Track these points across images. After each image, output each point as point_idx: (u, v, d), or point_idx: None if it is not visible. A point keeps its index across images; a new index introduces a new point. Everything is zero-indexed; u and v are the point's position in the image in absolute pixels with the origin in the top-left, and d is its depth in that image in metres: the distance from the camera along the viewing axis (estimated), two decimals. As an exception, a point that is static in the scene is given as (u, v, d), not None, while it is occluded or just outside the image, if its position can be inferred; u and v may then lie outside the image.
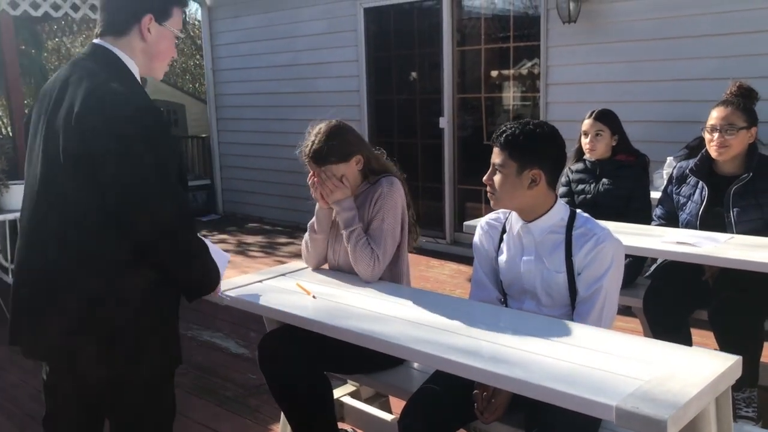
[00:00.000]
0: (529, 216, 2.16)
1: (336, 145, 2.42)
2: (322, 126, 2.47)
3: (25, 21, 7.12)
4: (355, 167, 2.47)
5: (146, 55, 1.88)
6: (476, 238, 2.37)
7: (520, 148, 2.09)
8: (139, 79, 1.87)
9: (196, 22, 18.17)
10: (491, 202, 2.19)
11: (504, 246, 2.27)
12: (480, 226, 2.36)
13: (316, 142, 2.42)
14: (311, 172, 2.49)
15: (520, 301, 2.23)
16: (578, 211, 2.20)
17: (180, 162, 1.86)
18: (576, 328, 1.97)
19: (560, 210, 2.16)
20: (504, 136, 2.11)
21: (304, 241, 2.67)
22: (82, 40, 16.83)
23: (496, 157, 2.13)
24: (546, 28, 5.34)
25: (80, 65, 1.81)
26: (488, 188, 2.17)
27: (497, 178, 2.13)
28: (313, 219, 2.59)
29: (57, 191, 1.74)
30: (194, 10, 18.97)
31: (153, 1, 1.86)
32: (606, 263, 2.08)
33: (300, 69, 7.26)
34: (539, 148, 2.10)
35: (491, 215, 2.36)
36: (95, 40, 1.86)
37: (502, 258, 2.26)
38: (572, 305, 2.14)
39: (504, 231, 2.28)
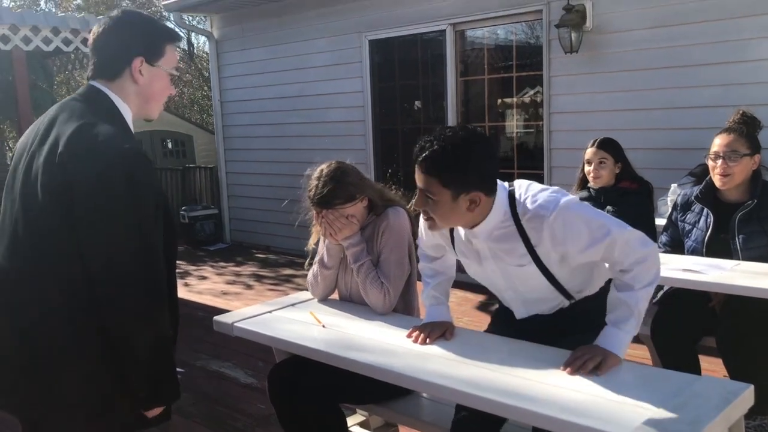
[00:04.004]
0: (471, 225, 2.03)
1: (339, 189, 2.42)
2: (323, 168, 2.47)
3: (37, 55, 7.24)
4: (360, 205, 2.49)
5: (140, 97, 1.83)
6: (423, 238, 2.29)
7: (450, 175, 1.87)
8: (130, 122, 1.82)
9: (204, 54, 18.44)
10: (427, 225, 2.04)
11: (457, 248, 2.18)
12: (425, 229, 2.21)
13: (320, 186, 2.43)
14: (316, 213, 2.51)
15: (502, 293, 2.22)
16: (514, 187, 2.02)
17: (159, 202, 1.74)
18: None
19: (500, 204, 1.98)
20: (425, 159, 1.88)
21: (311, 273, 2.69)
22: (90, 73, 17.03)
23: (422, 182, 1.92)
24: (548, 58, 5.42)
25: (70, 105, 1.77)
26: (423, 214, 2.01)
27: (430, 204, 1.94)
28: (323, 254, 2.61)
29: (35, 231, 1.68)
30: (202, 42, 19.28)
31: (142, 43, 1.80)
32: (579, 227, 1.91)
33: (306, 100, 7.35)
34: (471, 169, 1.89)
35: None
36: (90, 81, 1.82)
37: (465, 260, 2.19)
38: (557, 288, 2.08)
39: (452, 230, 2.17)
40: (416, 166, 1.93)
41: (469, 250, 2.13)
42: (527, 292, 2.15)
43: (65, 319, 1.66)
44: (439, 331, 2.18)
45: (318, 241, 2.69)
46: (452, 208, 1.93)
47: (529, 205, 1.96)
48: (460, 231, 2.11)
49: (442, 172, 1.88)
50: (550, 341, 2.08)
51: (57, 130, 1.70)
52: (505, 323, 2.29)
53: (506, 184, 2.04)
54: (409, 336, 2.20)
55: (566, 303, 2.15)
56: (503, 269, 2.09)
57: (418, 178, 1.94)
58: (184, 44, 20.22)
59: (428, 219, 2.00)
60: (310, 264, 2.71)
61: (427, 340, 2.15)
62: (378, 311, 2.46)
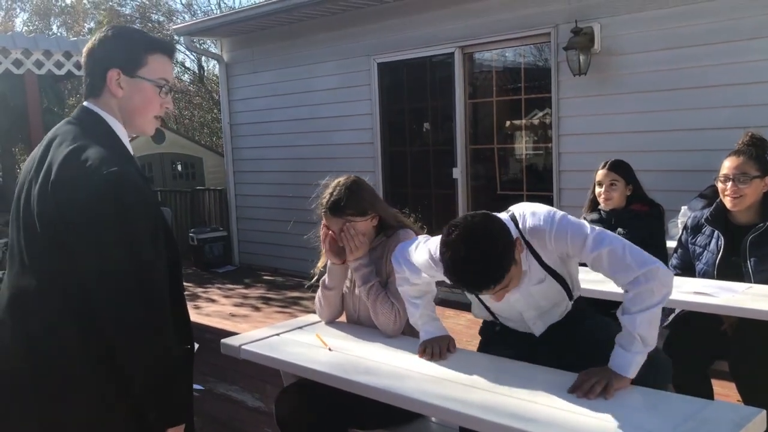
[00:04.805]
0: None
1: (353, 200, 2.43)
2: (340, 180, 2.50)
3: (49, 79, 7.33)
4: (370, 223, 2.49)
5: (125, 112, 1.76)
6: (409, 274, 2.27)
7: (507, 264, 1.90)
8: (125, 138, 1.77)
9: (214, 78, 18.64)
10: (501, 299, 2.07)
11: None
12: (432, 260, 2.16)
13: (335, 194, 2.44)
14: (323, 227, 2.51)
15: (522, 314, 2.28)
16: (513, 211, 2.12)
17: (157, 222, 1.70)
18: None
19: (513, 232, 2.03)
20: (489, 282, 1.88)
21: (317, 297, 2.69)
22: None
23: (493, 290, 1.92)
24: (557, 80, 5.43)
25: (64, 129, 1.74)
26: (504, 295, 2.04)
27: (509, 286, 1.98)
28: (326, 274, 2.61)
29: (36, 258, 1.69)
30: (212, 66, 19.49)
31: (119, 55, 1.73)
32: (575, 235, 2.00)
33: (315, 122, 7.39)
34: (509, 243, 1.93)
35: (433, 264, 2.13)
36: (83, 102, 1.79)
37: (481, 299, 2.28)
38: (564, 289, 2.22)
39: None
40: (481, 293, 1.95)
41: None
42: (545, 303, 2.25)
43: (71, 340, 1.66)
44: (445, 345, 2.25)
45: (326, 264, 2.69)
46: (520, 274, 2.04)
47: (529, 222, 2.08)
48: None
49: (504, 271, 1.88)
50: (568, 340, 2.22)
51: (50, 157, 1.69)
52: (515, 342, 2.33)
53: (504, 214, 2.12)
54: (421, 356, 2.22)
55: (570, 304, 2.28)
56: (524, 292, 2.17)
57: (489, 292, 1.94)
58: (194, 67, 20.43)
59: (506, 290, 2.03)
60: (314, 286, 2.71)
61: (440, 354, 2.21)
62: (387, 333, 2.45)
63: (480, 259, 1.86)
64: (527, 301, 2.22)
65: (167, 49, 1.82)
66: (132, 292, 1.60)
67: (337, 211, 2.44)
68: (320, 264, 2.70)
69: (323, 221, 2.56)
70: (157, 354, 1.65)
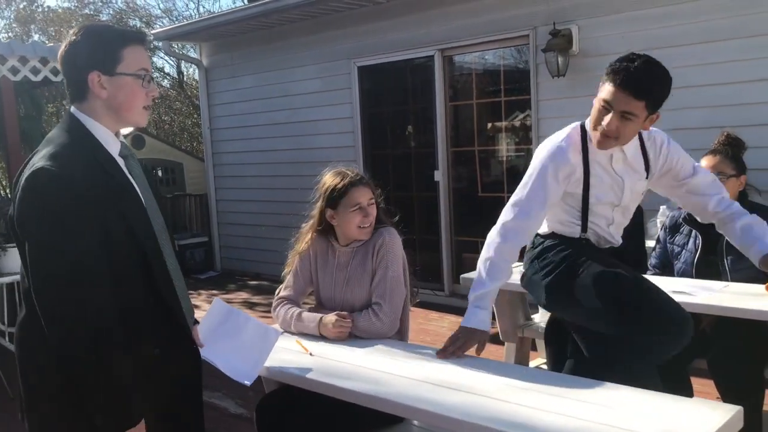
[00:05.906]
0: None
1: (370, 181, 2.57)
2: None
3: (26, 86, 7.25)
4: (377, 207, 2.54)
5: (111, 110, 1.78)
6: (556, 165, 2.33)
7: (656, 97, 2.21)
8: (107, 138, 1.77)
9: (194, 82, 18.53)
10: (605, 142, 2.27)
11: (593, 175, 2.32)
12: (558, 148, 2.36)
13: (355, 172, 2.55)
14: (334, 326, 2.46)
15: (612, 213, 2.41)
16: None
17: (107, 219, 1.69)
18: (579, 382, 1.97)
19: None
20: (647, 78, 2.18)
21: (287, 312, 2.69)
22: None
23: (627, 104, 2.19)
24: (536, 82, 5.47)
25: (48, 135, 1.78)
26: (608, 133, 2.24)
27: (626, 124, 2.22)
28: (306, 324, 2.58)
29: (21, 260, 1.73)
30: (192, 71, 19.36)
31: (94, 56, 1.74)
32: (681, 151, 2.47)
33: (295, 126, 7.37)
34: (667, 90, 2.25)
35: (564, 146, 2.37)
36: (70, 107, 1.81)
37: (599, 186, 2.33)
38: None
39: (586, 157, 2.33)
40: (620, 88, 2.15)
41: (607, 174, 2.34)
42: (629, 208, 2.45)
43: (40, 336, 1.66)
44: (473, 345, 2.20)
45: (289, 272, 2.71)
46: (638, 126, 2.23)
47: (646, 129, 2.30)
48: (601, 159, 2.32)
49: (656, 87, 2.17)
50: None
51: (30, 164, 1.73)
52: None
53: None
54: (448, 345, 2.20)
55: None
56: (630, 184, 2.35)
57: (621, 100, 2.16)
58: (174, 72, 20.30)
59: (615, 137, 2.22)
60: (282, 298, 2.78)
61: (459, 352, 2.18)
62: (382, 335, 2.43)
63: (653, 66, 2.16)
64: (628, 194, 2.37)
65: (139, 39, 1.82)
66: (63, 288, 1.59)
67: (366, 182, 2.53)
68: (287, 269, 2.71)
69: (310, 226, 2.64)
70: (94, 354, 1.60)
